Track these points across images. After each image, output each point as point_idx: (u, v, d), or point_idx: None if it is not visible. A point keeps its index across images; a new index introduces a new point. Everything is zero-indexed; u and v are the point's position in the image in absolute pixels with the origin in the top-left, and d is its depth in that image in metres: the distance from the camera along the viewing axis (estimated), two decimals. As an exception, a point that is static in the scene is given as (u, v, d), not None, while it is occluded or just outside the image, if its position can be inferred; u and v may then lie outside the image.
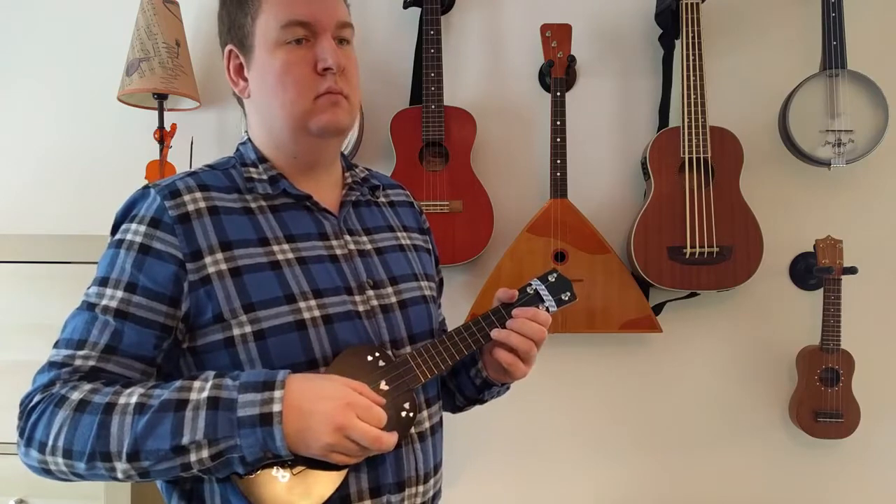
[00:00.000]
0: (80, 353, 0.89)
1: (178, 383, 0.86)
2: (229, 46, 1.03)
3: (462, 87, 2.04)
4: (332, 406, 0.84)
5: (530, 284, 1.09)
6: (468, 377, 1.14)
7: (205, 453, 0.83)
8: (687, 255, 1.84)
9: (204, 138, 2.03)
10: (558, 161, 1.89)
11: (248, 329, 0.91)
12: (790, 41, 1.99)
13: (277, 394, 0.84)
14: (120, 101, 1.91)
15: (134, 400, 0.84)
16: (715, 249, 1.83)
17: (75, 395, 0.85)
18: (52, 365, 0.90)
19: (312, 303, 0.94)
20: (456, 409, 1.23)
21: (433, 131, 1.90)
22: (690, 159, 1.85)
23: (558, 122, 1.89)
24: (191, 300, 0.92)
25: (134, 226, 0.94)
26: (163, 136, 1.89)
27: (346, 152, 1.63)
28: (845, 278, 1.85)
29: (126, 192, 1.00)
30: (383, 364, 0.95)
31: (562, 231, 1.89)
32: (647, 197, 1.90)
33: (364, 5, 2.02)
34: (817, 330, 1.89)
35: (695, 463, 2.02)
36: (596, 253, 1.89)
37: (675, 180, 1.86)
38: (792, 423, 1.96)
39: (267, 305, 0.92)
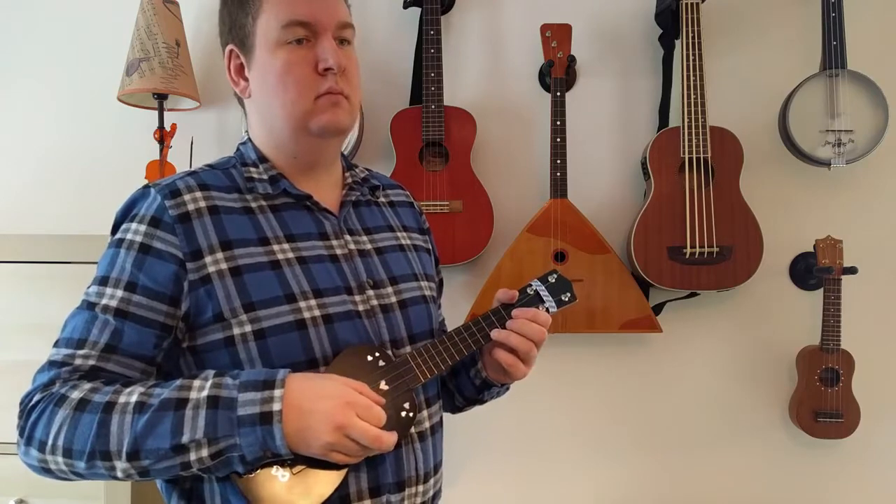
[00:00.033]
0: (80, 352, 0.89)
1: (177, 382, 0.87)
2: (230, 46, 1.03)
3: (462, 87, 2.04)
4: (332, 405, 0.84)
5: (530, 285, 1.09)
6: (468, 377, 1.14)
7: (205, 452, 0.83)
8: (687, 255, 1.84)
9: (204, 138, 2.03)
10: (558, 161, 1.89)
11: (248, 328, 0.91)
12: (790, 41, 1.99)
13: (277, 393, 0.84)
14: (120, 101, 1.91)
15: (134, 399, 0.85)
16: (715, 249, 1.83)
17: (75, 395, 0.85)
18: (51, 364, 0.90)
19: (312, 302, 0.94)
20: (455, 409, 1.23)
21: (433, 131, 1.90)
22: (690, 159, 1.85)
23: (558, 122, 1.89)
24: (191, 299, 0.92)
25: (134, 225, 0.94)
26: (163, 136, 1.89)
27: (346, 152, 1.64)
28: (845, 278, 1.85)
29: (126, 192, 1.00)
30: (383, 364, 0.95)
31: (562, 231, 1.89)
32: (647, 197, 1.90)
33: (364, 5, 2.02)
34: (817, 330, 1.89)
35: (695, 463, 2.02)
36: (596, 253, 1.89)
37: (675, 180, 1.86)
38: (792, 423, 1.96)
39: (267, 305, 0.92)
